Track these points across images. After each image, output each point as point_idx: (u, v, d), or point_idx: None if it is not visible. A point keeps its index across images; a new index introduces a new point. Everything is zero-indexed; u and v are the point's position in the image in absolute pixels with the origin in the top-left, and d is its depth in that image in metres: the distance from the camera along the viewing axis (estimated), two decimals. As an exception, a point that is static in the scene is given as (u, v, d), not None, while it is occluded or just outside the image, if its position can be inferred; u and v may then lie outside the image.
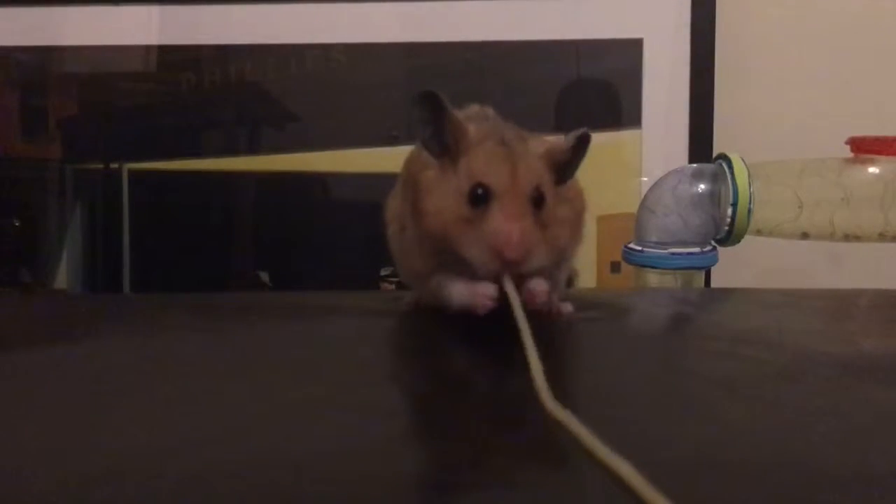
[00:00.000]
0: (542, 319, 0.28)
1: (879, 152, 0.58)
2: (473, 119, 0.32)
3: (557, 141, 0.32)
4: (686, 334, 0.37)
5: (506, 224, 0.28)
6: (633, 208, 0.62)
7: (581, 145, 0.32)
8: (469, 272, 0.30)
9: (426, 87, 0.30)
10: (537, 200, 0.30)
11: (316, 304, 0.40)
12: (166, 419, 0.24)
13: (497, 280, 0.29)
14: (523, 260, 0.29)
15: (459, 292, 0.30)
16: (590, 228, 0.74)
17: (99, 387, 0.27)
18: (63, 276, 0.77)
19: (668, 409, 0.25)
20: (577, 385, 0.27)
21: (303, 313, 0.38)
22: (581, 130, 0.32)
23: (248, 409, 0.25)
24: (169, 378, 0.28)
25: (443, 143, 0.31)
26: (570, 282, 0.37)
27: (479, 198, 0.29)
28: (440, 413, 0.25)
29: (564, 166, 0.32)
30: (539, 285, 0.29)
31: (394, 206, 0.35)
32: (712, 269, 0.64)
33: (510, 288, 0.29)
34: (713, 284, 0.70)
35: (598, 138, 0.72)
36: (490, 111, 0.34)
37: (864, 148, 0.59)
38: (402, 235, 0.33)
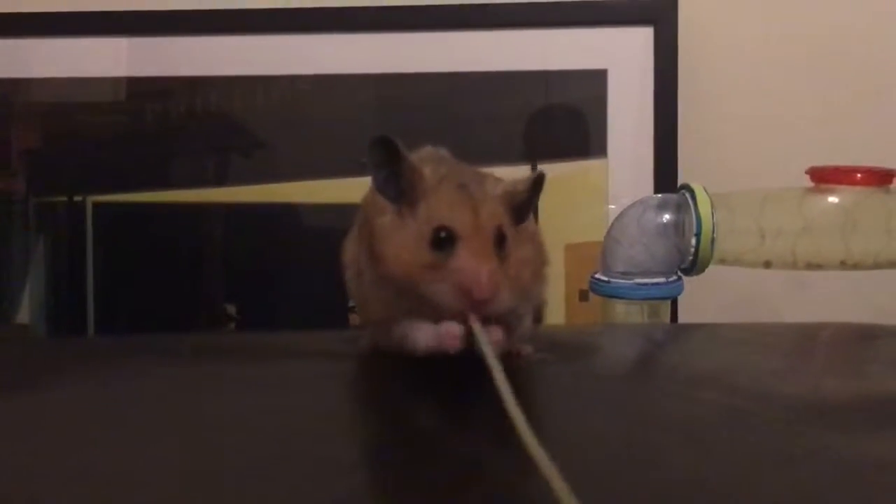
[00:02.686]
0: (501, 361, 0.28)
1: (839, 182, 0.59)
2: (428, 161, 0.32)
3: (513, 181, 0.32)
4: (643, 376, 0.37)
5: (473, 264, 0.28)
6: (601, 236, 0.63)
7: (537, 187, 0.32)
8: (431, 315, 0.30)
9: (380, 133, 0.30)
10: (499, 241, 0.30)
11: (278, 346, 0.40)
12: (116, 474, 0.23)
13: (462, 321, 0.29)
14: (491, 300, 0.29)
15: (425, 335, 0.30)
16: (558, 257, 0.75)
17: (44, 438, 0.27)
18: (25, 311, 0.76)
19: (619, 456, 0.25)
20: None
21: (264, 356, 0.38)
22: (536, 172, 0.32)
23: (198, 466, 0.24)
24: (119, 430, 0.27)
25: (398, 187, 0.31)
26: (538, 314, 0.37)
27: (443, 241, 0.29)
28: (401, 466, 0.25)
29: (521, 207, 0.32)
30: (495, 333, 0.29)
31: (351, 249, 0.35)
32: (680, 298, 0.64)
33: (477, 327, 0.28)
34: (680, 313, 0.71)
35: (566, 167, 0.75)
36: (444, 152, 0.34)
37: (824, 178, 0.59)
38: (360, 280, 0.33)
